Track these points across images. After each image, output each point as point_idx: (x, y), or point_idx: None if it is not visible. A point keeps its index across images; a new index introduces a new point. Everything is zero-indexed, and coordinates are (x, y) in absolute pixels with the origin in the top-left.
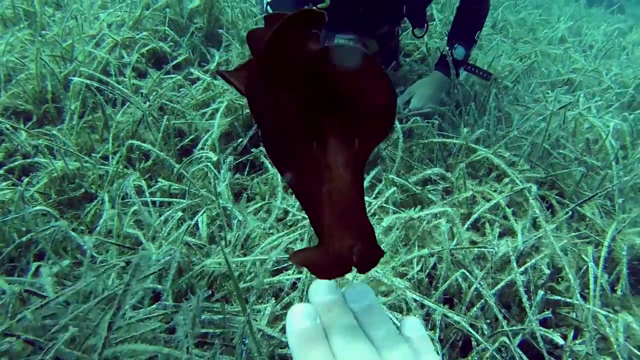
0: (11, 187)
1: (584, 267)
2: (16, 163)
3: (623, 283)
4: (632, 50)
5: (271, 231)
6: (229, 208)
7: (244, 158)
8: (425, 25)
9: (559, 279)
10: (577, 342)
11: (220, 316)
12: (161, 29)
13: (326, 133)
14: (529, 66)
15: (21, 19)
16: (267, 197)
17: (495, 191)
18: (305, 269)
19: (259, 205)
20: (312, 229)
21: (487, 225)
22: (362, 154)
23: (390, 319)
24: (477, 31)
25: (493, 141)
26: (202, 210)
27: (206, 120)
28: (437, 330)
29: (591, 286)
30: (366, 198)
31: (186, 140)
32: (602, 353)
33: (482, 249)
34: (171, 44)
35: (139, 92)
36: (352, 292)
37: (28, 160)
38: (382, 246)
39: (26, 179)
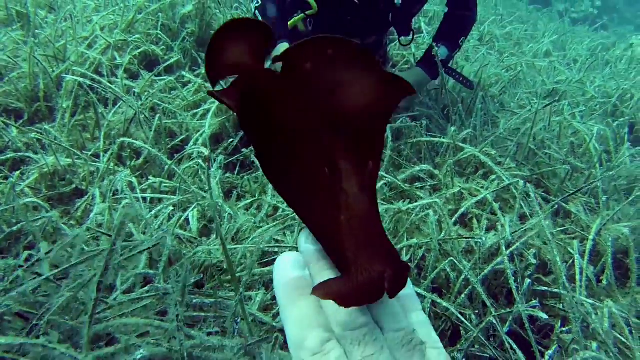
0: (2, 181)
1: (570, 261)
2: (8, 156)
3: (608, 272)
4: (615, 64)
5: (261, 224)
6: (219, 204)
7: (234, 158)
8: (412, 34)
9: (547, 273)
10: (564, 329)
11: (212, 300)
12: (154, 32)
13: (335, 155)
14: (515, 76)
15: (14, 21)
16: (257, 194)
17: (482, 188)
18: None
19: (249, 201)
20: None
21: (474, 220)
22: (374, 172)
23: None
24: (462, 37)
25: (480, 141)
26: (193, 206)
27: (197, 120)
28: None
29: (577, 277)
30: None
31: (177, 140)
32: (588, 339)
33: (470, 240)
34: (163, 47)
35: (131, 92)
36: None
37: (20, 154)
38: None
39: (17, 172)
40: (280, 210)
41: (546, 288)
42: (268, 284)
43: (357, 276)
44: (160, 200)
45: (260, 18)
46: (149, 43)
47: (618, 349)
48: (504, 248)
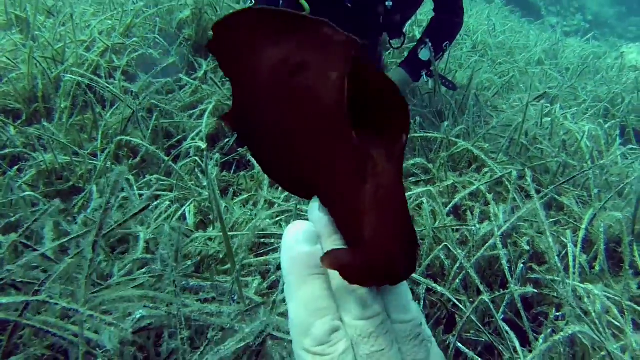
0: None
1: (564, 251)
2: (6, 151)
3: (601, 259)
4: (606, 71)
5: (257, 217)
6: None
7: (230, 157)
8: (403, 36)
9: (540, 263)
10: (558, 314)
11: (209, 282)
12: (151, 36)
13: (362, 124)
14: (507, 81)
15: (13, 25)
16: (253, 191)
17: (475, 181)
18: None
19: (245, 197)
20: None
21: (468, 212)
22: (404, 144)
23: None
24: (447, 41)
25: (472, 137)
26: (190, 201)
27: (194, 120)
28: (422, 306)
29: (570, 264)
30: None
31: (173, 140)
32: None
33: (464, 227)
34: (160, 51)
35: (129, 92)
36: None
37: (18, 149)
38: None
39: (15, 167)
40: (276, 205)
41: (539, 276)
42: (264, 274)
43: (372, 251)
44: (157, 197)
45: None
46: (146, 47)
47: (612, 333)
48: (497, 231)
